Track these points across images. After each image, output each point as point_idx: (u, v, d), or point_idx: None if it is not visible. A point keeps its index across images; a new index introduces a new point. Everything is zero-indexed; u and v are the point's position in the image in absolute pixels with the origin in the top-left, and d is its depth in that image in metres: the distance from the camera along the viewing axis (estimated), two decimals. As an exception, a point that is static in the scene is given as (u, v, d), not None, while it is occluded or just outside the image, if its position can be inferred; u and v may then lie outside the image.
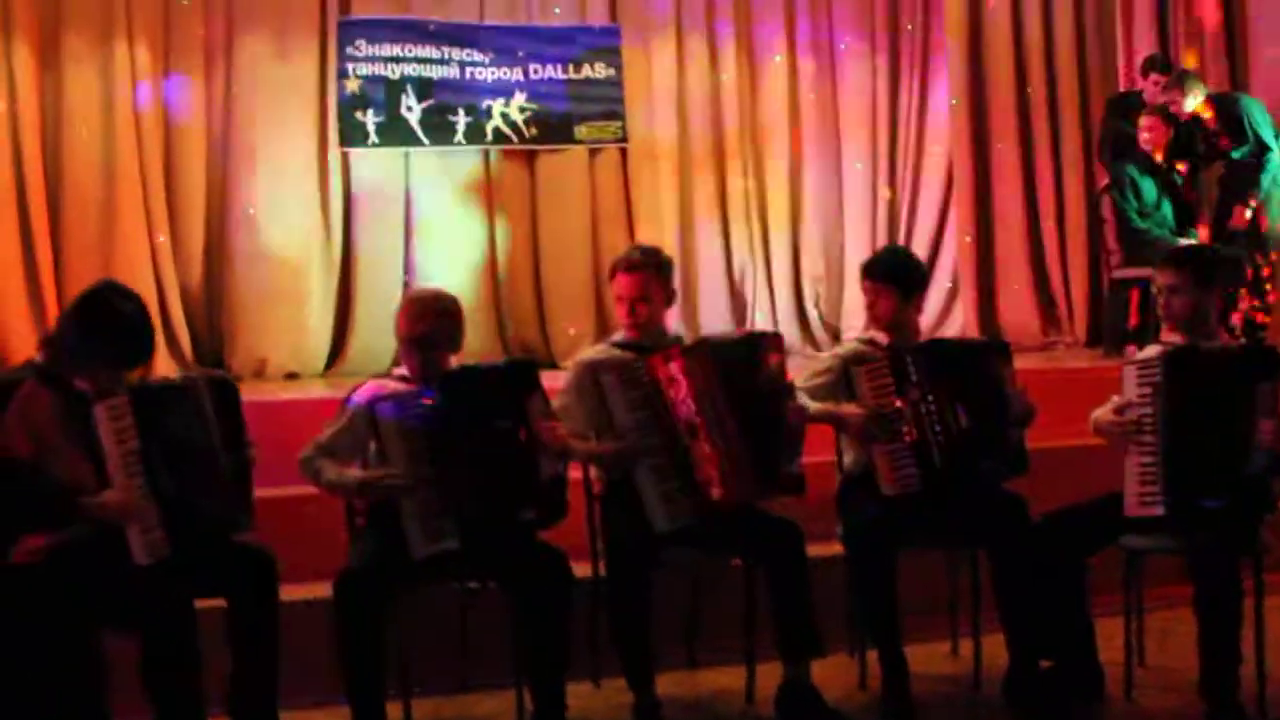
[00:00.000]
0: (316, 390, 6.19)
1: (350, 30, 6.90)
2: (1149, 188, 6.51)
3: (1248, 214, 6.30)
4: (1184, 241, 6.29)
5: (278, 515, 3.62)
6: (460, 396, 3.39)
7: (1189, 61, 7.05)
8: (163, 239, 6.59)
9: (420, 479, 3.27)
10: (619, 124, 7.32)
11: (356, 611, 3.24)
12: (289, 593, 3.41)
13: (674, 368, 3.53)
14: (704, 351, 3.67)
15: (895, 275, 3.85)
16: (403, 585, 3.32)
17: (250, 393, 5.01)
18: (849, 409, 3.70)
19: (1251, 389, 3.38)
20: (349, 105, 6.89)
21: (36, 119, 6.35)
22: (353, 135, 6.90)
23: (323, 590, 3.37)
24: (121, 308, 3.10)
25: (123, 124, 6.49)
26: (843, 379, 3.80)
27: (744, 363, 3.64)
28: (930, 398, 3.63)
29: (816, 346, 7.49)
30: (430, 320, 3.49)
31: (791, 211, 7.71)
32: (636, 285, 3.71)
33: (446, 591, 3.58)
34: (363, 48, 6.89)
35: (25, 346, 6.12)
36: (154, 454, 3.03)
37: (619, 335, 3.86)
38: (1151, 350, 3.64)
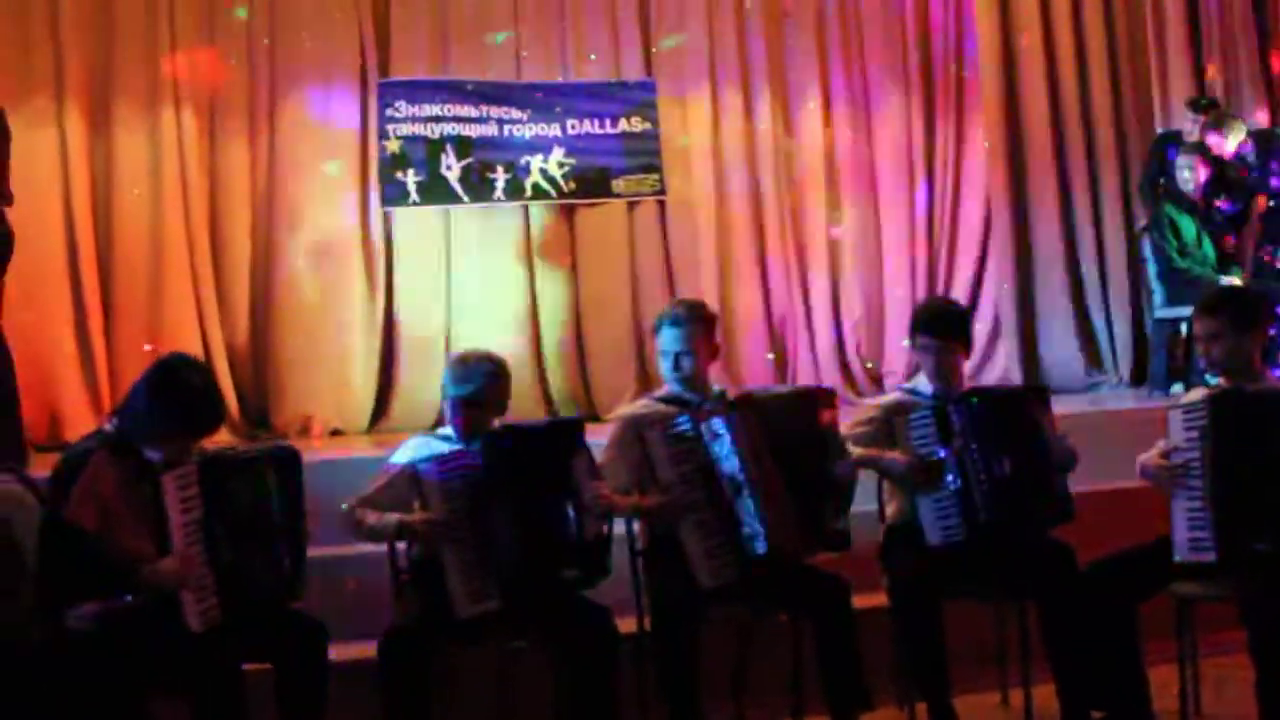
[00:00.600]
0: (361, 448, 6.24)
1: (390, 91, 7.02)
2: (1189, 227, 6.50)
3: None
4: (1225, 280, 6.26)
5: (323, 575, 3.67)
6: (503, 456, 3.42)
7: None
8: (209, 300, 6.70)
9: (463, 537, 3.31)
10: (657, 177, 7.37)
11: (402, 670, 3.26)
12: (335, 654, 3.42)
13: (718, 423, 3.55)
14: (749, 406, 3.70)
15: (946, 330, 3.87)
16: (447, 644, 3.34)
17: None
18: (893, 455, 3.72)
19: None
20: (390, 165, 7.00)
21: (87, 184, 6.51)
22: (394, 195, 7.00)
23: (365, 650, 3.40)
24: (191, 379, 3.23)
25: (170, 187, 6.63)
26: (886, 428, 3.82)
27: (790, 418, 3.66)
28: (974, 447, 3.64)
29: (859, 393, 7.46)
30: (478, 381, 3.55)
31: (830, 259, 7.71)
32: (681, 339, 3.74)
33: (490, 651, 3.58)
34: (403, 109, 7.01)
35: (77, 407, 6.31)
36: (215, 524, 3.11)
37: (663, 390, 3.88)
38: (1197, 393, 3.64)
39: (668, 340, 3.76)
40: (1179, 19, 7.27)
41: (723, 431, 3.54)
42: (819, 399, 3.76)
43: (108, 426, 3.30)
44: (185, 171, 6.69)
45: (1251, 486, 3.33)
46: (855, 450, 3.73)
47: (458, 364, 3.64)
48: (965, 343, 3.91)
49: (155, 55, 6.65)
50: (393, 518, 3.41)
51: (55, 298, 6.41)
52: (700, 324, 3.79)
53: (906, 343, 7.16)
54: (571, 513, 3.43)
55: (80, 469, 3.07)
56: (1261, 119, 7.14)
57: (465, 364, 3.63)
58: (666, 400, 3.80)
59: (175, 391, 3.17)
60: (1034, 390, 3.97)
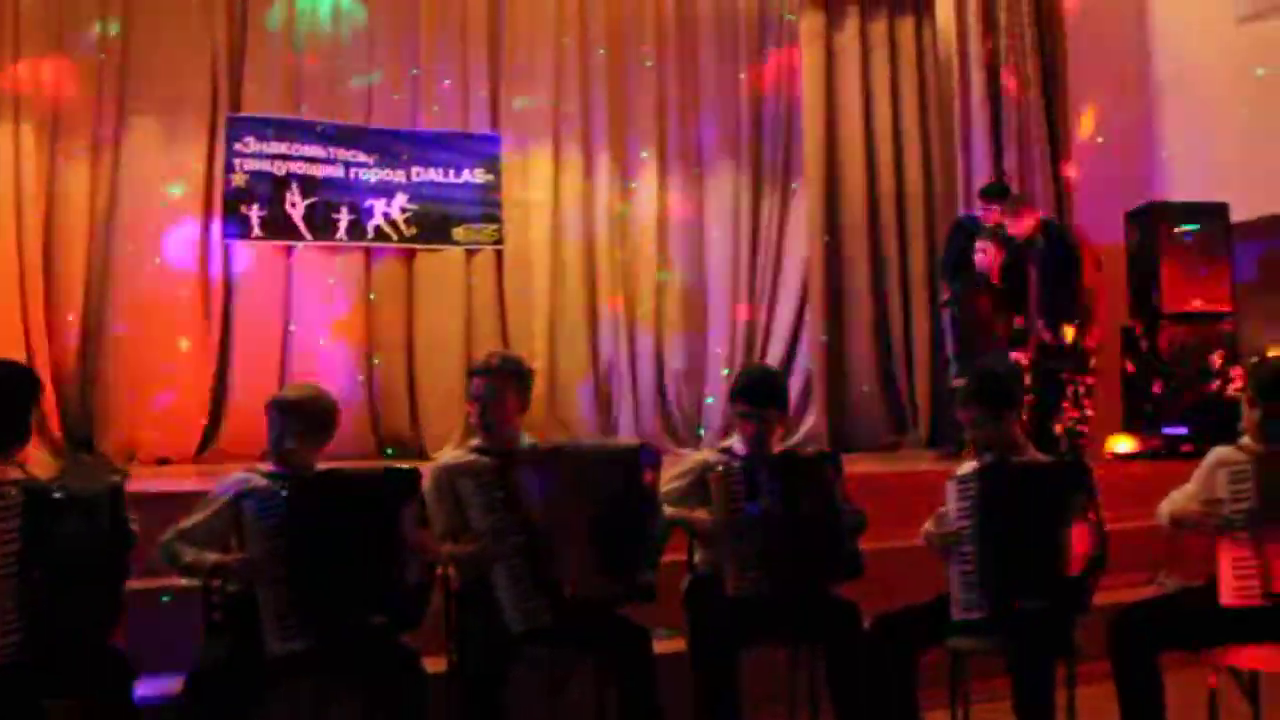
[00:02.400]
0: (187, 480, 6.18)
1: (238, 126, 7.11)
2: (982, 304, 6.97)
3: (1071, 333, 6.74)
4: (1014, 355, 6.75)
5: (139, 607, 3.58)
6: (311, 499, 3.42)
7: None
8: (37, 320, 6.64)
9: (277, 577, 3.30)
10: (496, 227, 7.62)
11: (207, 710, 3.24)
12: (149, 688, 3.41)
13: (527, 474, 3.62)
14: (560, 459, 3.73)
15: (763, 399, 4.03)
16: (256, 687, 3.31)
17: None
18: (701, 515, 3.89)
19: (1062, 499, 3.67)
20: (234, 199, 7.08)
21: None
22: (236, 228, 7.08)
23: (177, 685, 3.34)
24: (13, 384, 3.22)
25: (3, 203, 6.57)
26: (699, 484, 3.96)
27: (609, 473, 3.72)
28: (778, 507, 3.81)
29: (678, 442, 7.81)
30: (299, 419, 3.58)
31: (656, 313, 8.03)
32: (490, 389, 3.81)
33: (304, 693, 3.53)
34: (250, 144, 7.10)
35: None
36: (32, 559, 3.03)
37: (477, 439, 3.92)
38: (969, 466, 3.89)
39: (477, 389, 3.83)
40: (983, 117, 7.88)
41: (532, 482, 3.60)
42: (643, 458, 3.81)
43: None
44: (20, 188, 6.63)
45: (1016, 551, 3.63)
46: (668, 509, 3.88)
47: (281, 401, 3.65)
48: (781, 410, 4.12)
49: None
50: (209, 556, 3.40)
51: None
52: (511, 377, 3.85)
53: (726, 405, 7.56)
54: (392, 559, 3.44)
55: None
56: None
57: (289, 400, 3.64)
58: (481, 450, 3.85)
59: None
60: (828, 456, 4.09)
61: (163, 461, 6.75)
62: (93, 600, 3.18)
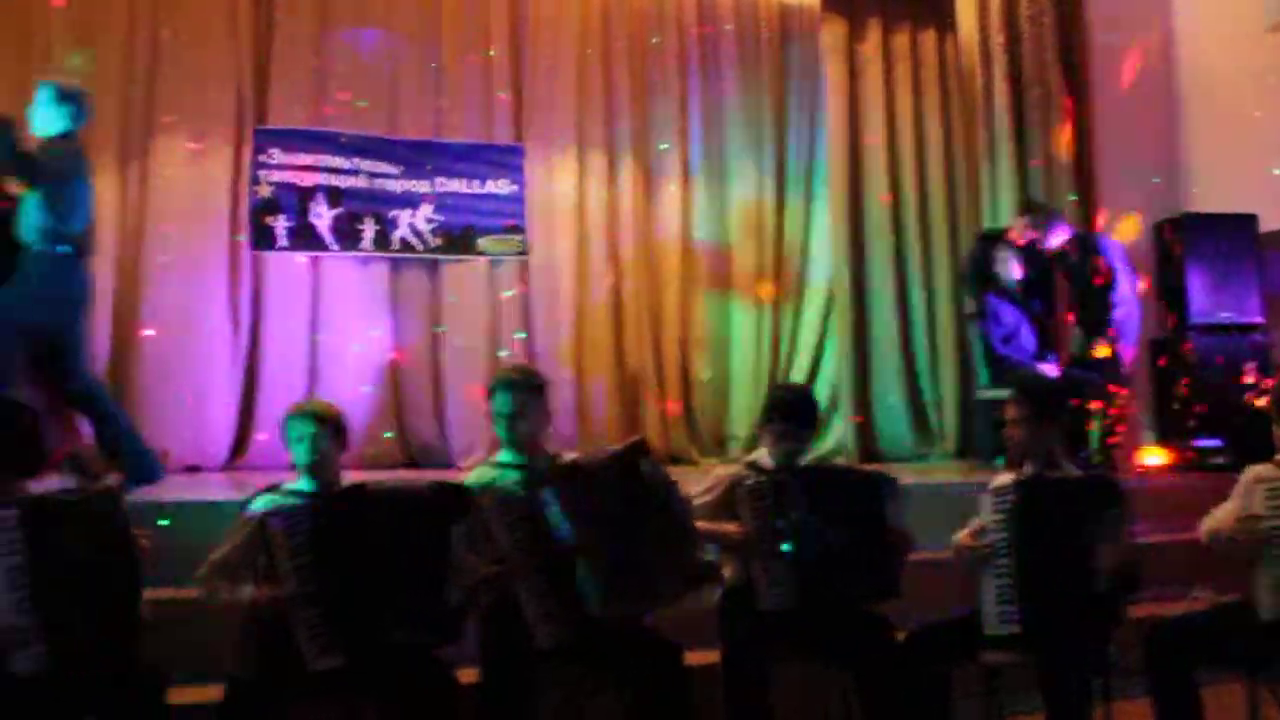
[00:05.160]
0: (217, 488, 6.17)
1: (265, 138, 7.14)
2: (1010, 317, 6.97)
3: (1104, 348, 6.68)
4: (1042, 367, 6.75)
5: (175, 615, 3.63)
6: (352, 516, 3.42)
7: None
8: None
9: (307, 594, 3.31)
10: (521, 237, 7.63)
11: None
12: (182, 695, 3.43)
13: (548, 493, 3.60)
14: (574, 473, 3.69)
15: (796, 419, 4.05)
16: (292, 699, 3.32)
17: (150, 487, 5.15)
18: (730, 528, 3.89)
19: (1094, 516, 3.66)
20: (260, 209, 7.11)
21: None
22: (263, 239, 7.11)
23: (213, 694, 3.38)
24: (16, 417, 3.25)
25: None
26: (728, 498, 3.95)
27: (617, 478, 3.67)
28: (809, 519, 3.81)
29: (703, 452, 7.80)
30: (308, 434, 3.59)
31: (682, 322, 8.01)
32: (513, 404, 3.81)
33: (336, 707, 3.54)
34: (276, 156, 7.14)
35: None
36: (39, 570, 3.03)
37: (501, 454, 3.92)
38: (1005, 478, 3.90)
39: (501, 404, 3.83)
40: (1006, 128, 7.87)
41: (553, 500, 3.58)
42: (633, 452, 3.76)
43: None
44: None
45: (1052, 566, 3.64)
46: (700, 525, 3.85)
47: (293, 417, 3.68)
48: (813, 429, 4.13)
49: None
50: (246, 592, 3.41)
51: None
52: (532, 390, 3.85)
53: (753, 418, 7.56)
54: (434, 576, 3.43)
55: None
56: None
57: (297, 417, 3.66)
58: (502, 465, 3.86)
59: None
60: (882, 478, 4.04)
61: (192, 469, 6.76)
62: (106, 608, 3.17)
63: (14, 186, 5.05)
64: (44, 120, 5.11)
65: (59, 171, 4.99)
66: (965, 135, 8.30)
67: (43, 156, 4.98)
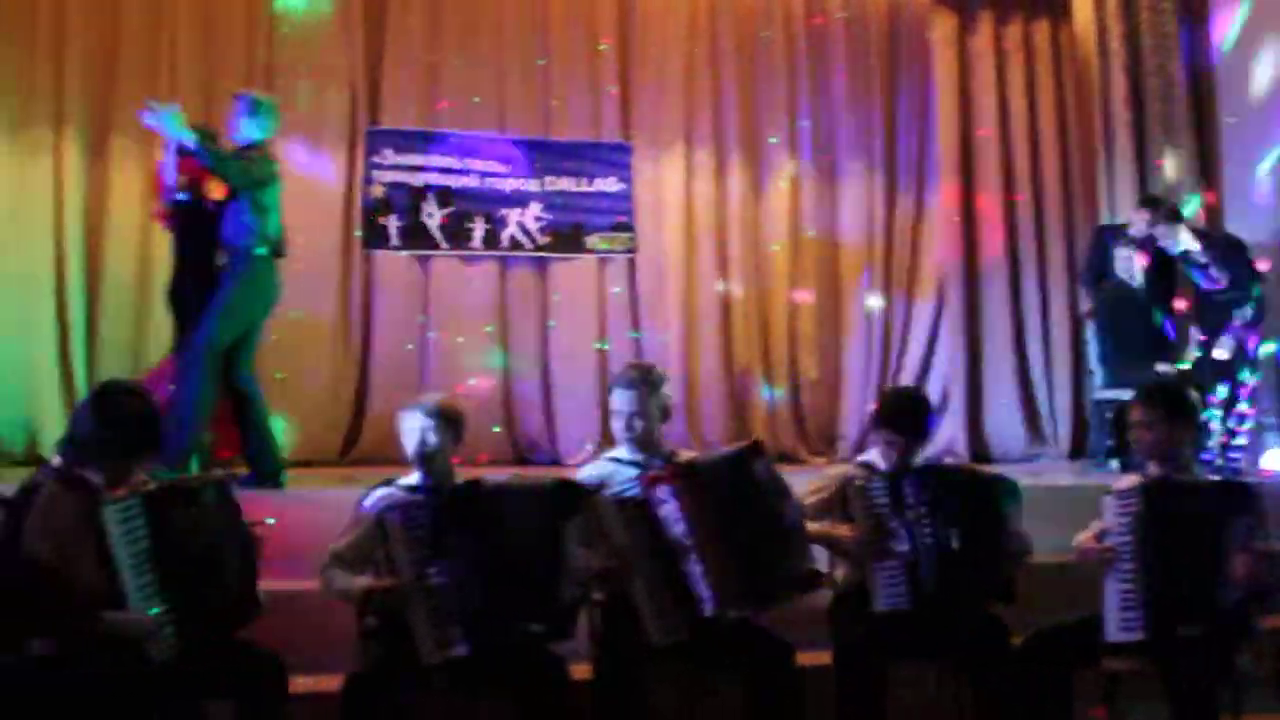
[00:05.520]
0: (330, 483, 6.29)
1: (377, 139, 7.29)
2: (1129, 315, 6.78)
3: (1228, 347, 6.50)
4: (1161, 367, 6.55)
5: (292, 608, 3.72)
6: (467, 512, 3.47)
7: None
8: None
9: (425, 589, 3.34)
10: (629, 235, 7.66)
11: (364, 716, 3.31)
12: (300, 686, 3.48)
13: (663, 490, 3.61)
14: (691, 472, 3.71)
15: (908, 426, 3.98)
16: (411, 691, 3.36)
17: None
18: (843, 530, 3.85)
19: (1225, 522, 3.54)
20: (373, 210, 7.25)
21: (80, 212, 6.75)
22: (376, 238, 7.25)
23: (332, 683, 3.44)
24: (127, 401, 3.31)
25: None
26: (840, 497, 3.91)
27: (731, 478, 3.69)
28: (925, 519, 3.75)
29: (812, 452, 7.75)
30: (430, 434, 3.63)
31: (790, 320, 7.96)
32: (632, 401, 3.84)
33: (454, 700, 3.60)
34: (388, 156, 7.27)
35: (55, 426, 6.41)
36: (162, 555, 3.13)
37: (618, 450, 3.96)
38: (1130, 480, 3.79)
39: (620, 402, 3.86)
40: (1125, 121, 7.66)
41: (668, 498, 3.60)
42: (749, 453, 3.78)
43: (55, 460, 3.35)
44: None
45: (1179, 573, 3.52)
46: (811, 526, 3.83)
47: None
48: (925, 437, 4.05)
49: (154, 91, 6.83)
50: (360, 582, 3.46)
51: (40, 319, 6.61)
52: (650, 387, 3.87)
53: (862, 416, 7.49)
54: (550, 571, 3.46)
55: (31, 502, 3.14)
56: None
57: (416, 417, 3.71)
58: (620, 461, 3.89)
59: (114, 411, 3.26)
60: (1004, 481, 3.96)
61: (305, 464, 6.89)
62: (225, 590, 3.27)
63: (216, 193, 5.30)
64: (241, 129, 5.37)
65: (260, 177, 5.23)
66: (1081, 128, 8.10)
67: (243, 163, 5.22)
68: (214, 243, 5.28)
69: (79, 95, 6.79)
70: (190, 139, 5.10)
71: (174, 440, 4.84)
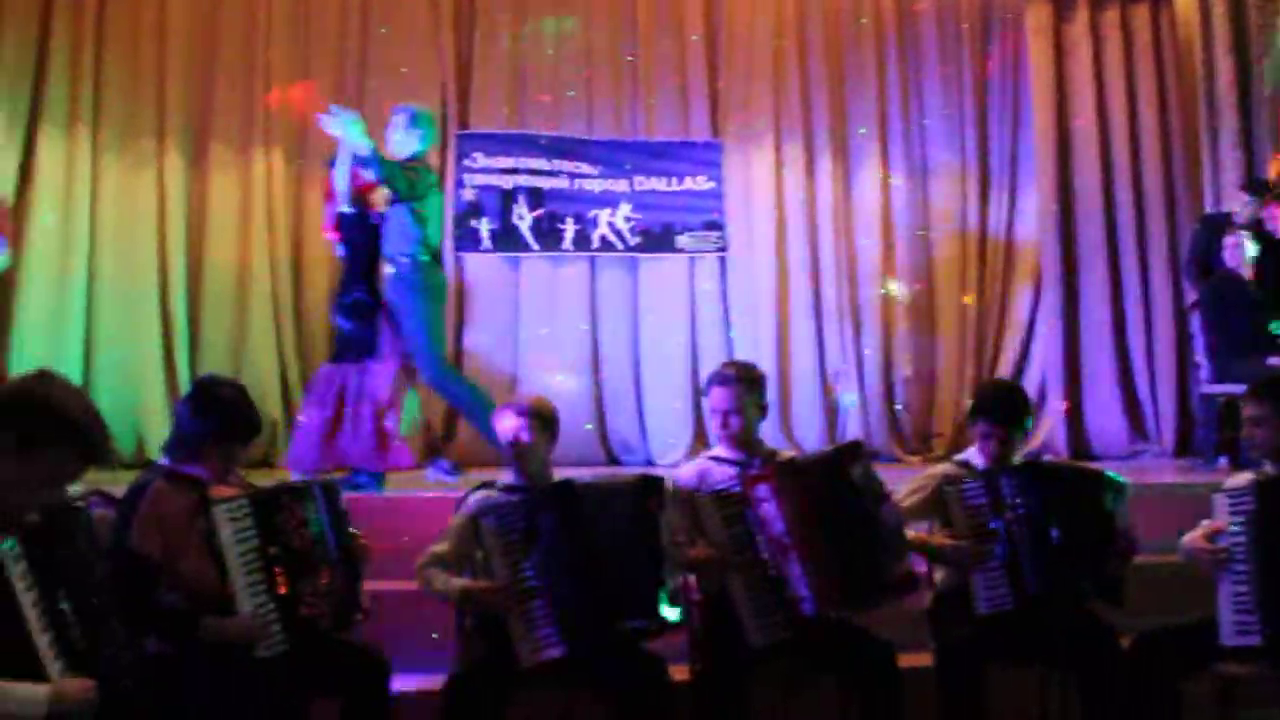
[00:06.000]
0: (425, 486, 6.36)
1: (468, 143, 7.36)
2: (1238, 306, 6.58)
3: None
4: (1272, 360, 6.34)
5: (392, 608, 3.78)
6: (564, 511, 3.48)
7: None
8: (288, 332, 7.06)
9: (522, 590, 3.38)
10: (719, 234, 7.63)
11: (465, 717, 3.35)
12: (400, 684, 3.54)
13: (763, 489, 3.61)
14: (791, 472, 3.70)
15: (1006, 418, 3.92)
16: (510, 691, 3.40)
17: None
18: (940, 539, 3.81)
19: None
20: (465, 213, 7.32)
21: (182, 220, 6.95)
22: (468, 241, 7.32)
23: (433, 683, 3.51)
24: (224, 391, 3.43)
25: (258, 226, 7.06)
26: (937, 498, 3.86)
27: (831, 479, 3.66)
28: (1025, 519, 3.69)
29: (906, 449, 7.66)
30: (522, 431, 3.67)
31: (883, 316, 7.86)
32: (730, 399, 3.83)
33: (554, 699, 3.64)
34: (479, 159, 7.35)
35: (161, 430, 6.61)
36: (270, 554, 3.20)
37: (716, 449, 3.98)
38: (1243, 478, 3.67)
39: (717, 399, 3.86)
40: (1230, 106, 7.44)
41: (768, 496, 3.59)
42: (849, 454, 3.76)
43: (162, 461, 3.45)
44: (272, 210, 7.10)
45: None
46: (908, 534, 3.78)
47: (506, 413, 3.78)
48: (1022, 428, 3.97)
49: (250, 103, 7.04)
50: (457, 583, 3.50)
51: (145, 326, 6.81)
52: (748, 384, 3.86)
53: (958, 414, 7.37)
54: (649, 565, 3.47)
55: (141, 499, 3.23)
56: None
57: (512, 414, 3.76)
58: (718, 460, 3.89)
59: (211, 403, 3.36)
60: (1109, 477, 3.85)
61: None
62: (330, 591, 3.32)
63: (381, 204, 5.50)
64: (401, 142, 5.56)
65: (423, 190, 5.44)
66: (1183, 114, 7.85)
67: (410, 175, 5.40)
68: (378, 253, 5.50)
69: (179, 105, 7.00)
70: (369, 148, 5.22)
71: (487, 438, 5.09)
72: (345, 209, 5.53)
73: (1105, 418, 7.79)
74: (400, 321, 5.45)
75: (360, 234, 5.53)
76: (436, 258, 5.55)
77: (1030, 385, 7.68)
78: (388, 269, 5.47)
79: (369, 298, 5.52)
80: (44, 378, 2.70)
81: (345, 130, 5.22)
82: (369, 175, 5.33)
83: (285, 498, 3.33)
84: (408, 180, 5.32)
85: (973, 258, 8.00)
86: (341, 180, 5.46)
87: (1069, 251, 7.88)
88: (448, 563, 3.57)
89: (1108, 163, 7.89)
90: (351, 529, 3.44)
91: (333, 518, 3.38)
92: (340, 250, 5.67)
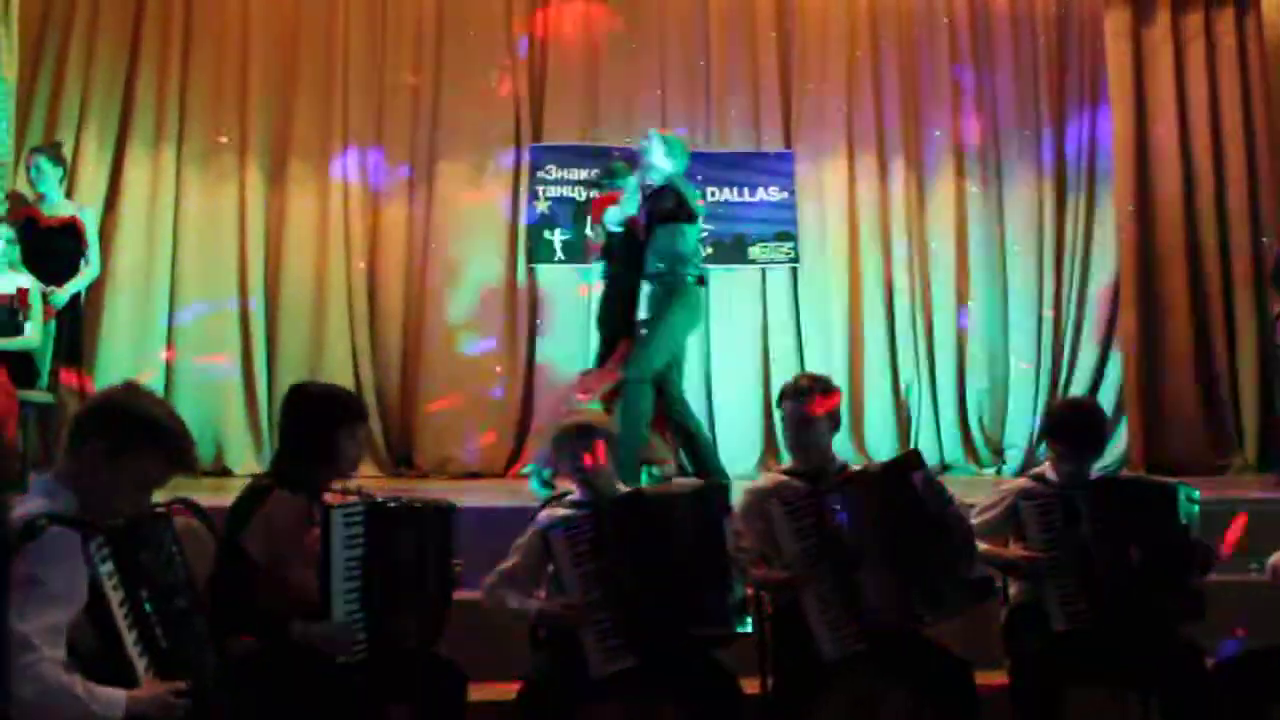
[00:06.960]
0: (499, 498, 6.33)
1: (542, 155, 7.44)
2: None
3: None
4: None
5: (463, 618, 3.70)
6: (631, 522, 3.49)
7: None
8: (364, 344, 7.20)
9: (594, 603, 3.40)
10: (792, 245, 7.61)
11: None
12: (478, 693, 3.53)
13: (836, 500, 3.59)
14: (860, 482, 3.70)
15: (1080, 439, 3.88)
16: (583, 701, 3.42)
17: (435, 492, 5.41)
18: (1014, 552, 3.77)
19: None
20: (538, 225, 7.40)
21: (261, 235, 7.12)
22: (541, 252, 7.39)
23: (507, 692, 3.51)
24: (315, 387, 3.54)
25: (335, 241, 7.20)
26: (1012, 514, 3.82)
27: (894, 488, 3.63)
28: (1101, 535, 3.64)
29: (979, 462, 7.58)
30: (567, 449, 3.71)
31: (956, 327, 7.80)
32: (802, 412, 3.82)
33: (626, 708, 3.65)
34: (552, 171, 7.42)
35: (240, 439, 6.78)
36: (373, 566, 3.21)
37: (788, 463, 3.98)
38: None
39: (790, 412, 3.85)
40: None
41: (840, 508, 3.58)
42: (906, 465, 3.73)
43: (273, 467, 3.53)
44: (349, 225, 7.24)
45: None
46: (982, 547, 3.72)
47: (562, 436, 3.80)
48: (1099, 450, 3.96)
49: (329, 120, 7.18)
50: (532, 604, 3.53)
51: (225, 337, 6.98)
52: (822, 397, 3.83)
53: (1043, 441, 7.27)
54: (716, 573, 3.47)
55: (259, 500, 3.28)
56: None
57: (566, 436, 3.78)
58: (791, 473, 3.87)
59: (309, 399, 3.44)
60: (1182, 488, 3.76)
61: (473, 475, 7.08)
62: (423, 611, 3.34)
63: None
64: (659, 167, 5.72)
65: (688, 212, 5.62)
66: (1268, 120, 7.67)
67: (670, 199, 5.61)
68: (639, 270, 5.63)
69: (259, 124, 7.17)
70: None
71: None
72: (615, 228, 5.84)
73: (1184, 432, 7.63)
74: (648, 334, 5.55)
75: (625, 251, 5.76)
76: (701, 277, 5.71)
77: (1106, 396, 7.56)
78: (647, 286, 5.58)
79: (622, 310, 5.72)
80: (131, 389, 2.80)
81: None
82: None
83: (401, 514, 3.35)
84: (673, 210, 5.54)
85: (1049, 268, 7.90)
86: (630, 203, 5.75)
87: (1148, 259, 7.73)
88: (518, 578, 3.60)
89: (1189, 172, 7.74)
90: (455, 560, 3.45)
91: (440, 542, 3.40)
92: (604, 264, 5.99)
